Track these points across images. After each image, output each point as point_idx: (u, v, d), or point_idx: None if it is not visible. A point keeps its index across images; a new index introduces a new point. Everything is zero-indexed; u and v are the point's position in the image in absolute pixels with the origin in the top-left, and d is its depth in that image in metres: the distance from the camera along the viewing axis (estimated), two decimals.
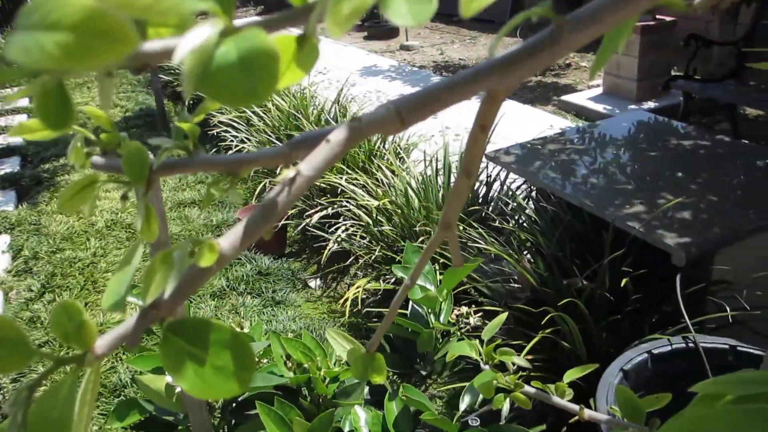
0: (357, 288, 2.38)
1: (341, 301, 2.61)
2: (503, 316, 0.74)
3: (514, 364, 0.69)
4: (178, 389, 0.84)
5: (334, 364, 0.95)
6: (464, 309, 1.01)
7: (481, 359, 0.72)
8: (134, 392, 2.29)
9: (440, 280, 1.05)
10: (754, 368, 1.40)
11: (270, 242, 3.13)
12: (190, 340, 0.33)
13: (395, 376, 1.03)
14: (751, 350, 1.48)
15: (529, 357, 1.85)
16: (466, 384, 1.03)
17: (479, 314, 1.03)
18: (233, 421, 0.91)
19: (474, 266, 1.05)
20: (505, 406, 0.66)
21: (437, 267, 1.93)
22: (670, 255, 1.78)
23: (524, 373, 1.79)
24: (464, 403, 0.94)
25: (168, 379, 0.84)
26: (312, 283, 2.88)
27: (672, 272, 1.75)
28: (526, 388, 0.67)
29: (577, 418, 1.63)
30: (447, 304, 1.08)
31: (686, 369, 1.49)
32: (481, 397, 0.93)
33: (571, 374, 0.67)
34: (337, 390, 0.93)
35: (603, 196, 2.05)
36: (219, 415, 0.89)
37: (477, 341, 0.74)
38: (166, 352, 0.33)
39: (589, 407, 1.67)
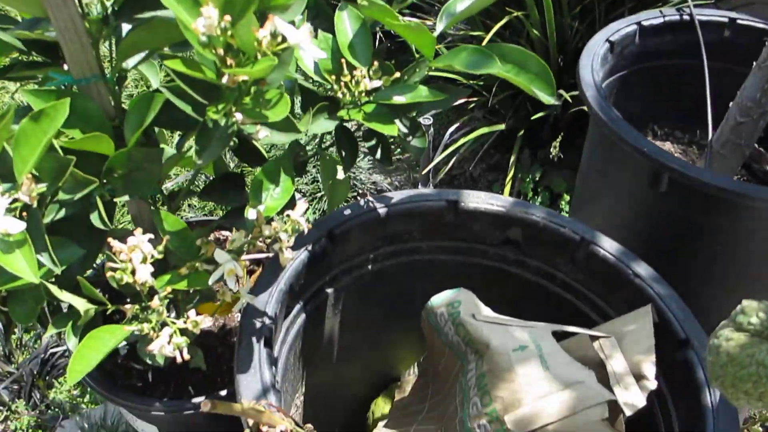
0: None
1: None
2: None
3: None
4: None
5: None
6: None
7: None
8: None
9: None
10: (754, 43, 1.20)
11: None
12: None
13: None
14: (753, 23, 1.27)
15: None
16: None
17: None
18: (121, 27, 0.64)
19: None
20: None
21: None
22: None
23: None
24: (440, 25, 0.70)
25: None
26: None
27: None
28: None
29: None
30: None
31: (677, 45, 1.29)
32: None
33: None
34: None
35: None
36: (101, 20, 0.62)
37: None
38: None
39: (561, 89, 1.43)
